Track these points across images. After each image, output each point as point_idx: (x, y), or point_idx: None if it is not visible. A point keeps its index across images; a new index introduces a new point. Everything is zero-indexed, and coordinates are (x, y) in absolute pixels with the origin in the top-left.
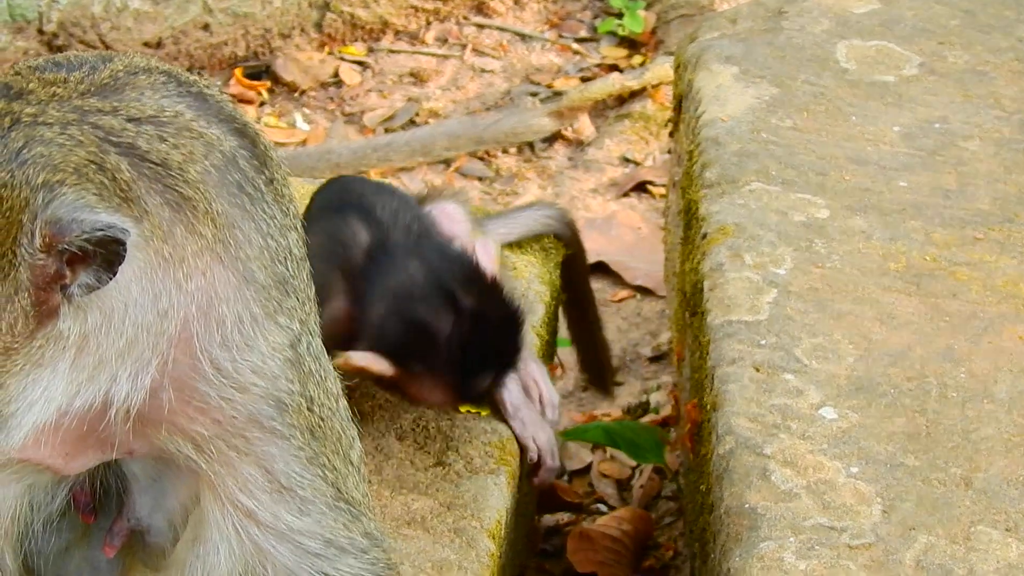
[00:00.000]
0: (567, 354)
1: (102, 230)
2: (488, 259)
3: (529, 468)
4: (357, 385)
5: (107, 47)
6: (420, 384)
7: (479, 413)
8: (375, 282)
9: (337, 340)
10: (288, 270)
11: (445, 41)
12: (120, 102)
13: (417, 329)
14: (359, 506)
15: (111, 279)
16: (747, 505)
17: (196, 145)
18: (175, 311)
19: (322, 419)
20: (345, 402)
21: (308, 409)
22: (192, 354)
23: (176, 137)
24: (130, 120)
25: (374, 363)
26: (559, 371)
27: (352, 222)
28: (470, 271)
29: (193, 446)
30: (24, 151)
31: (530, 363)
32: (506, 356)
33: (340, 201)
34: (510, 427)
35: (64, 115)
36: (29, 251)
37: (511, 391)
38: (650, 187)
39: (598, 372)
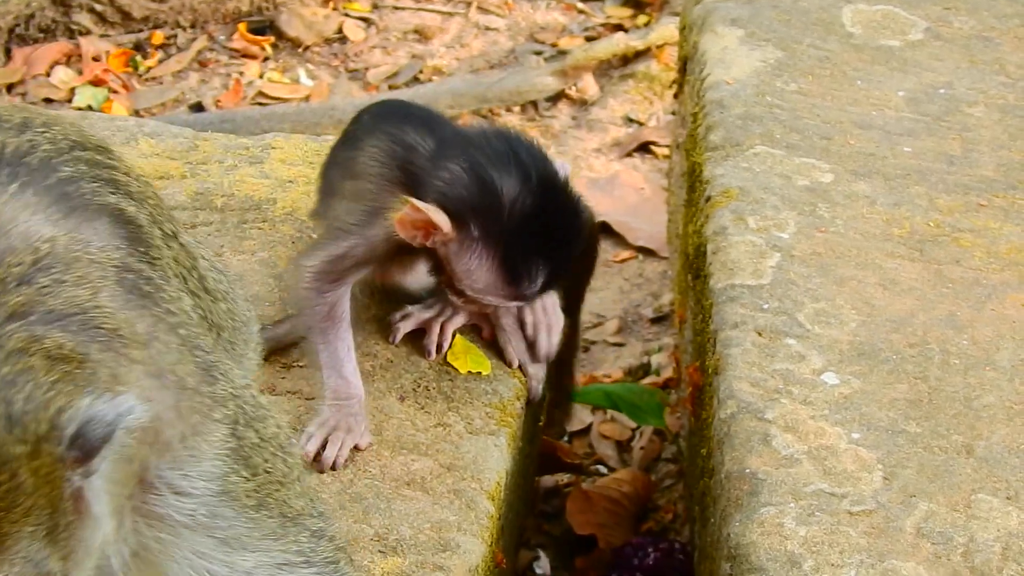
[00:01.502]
0: None
1: (120, 415)
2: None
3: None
4: (361, 343)
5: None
6: (470, 257)
7: (480, 373)
8: (448, 148)
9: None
10: (204, 347)
11: None
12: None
13: (486, 186)
14: (302, 512)
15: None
16: (748, 470)
17: (92, 272)
18: (138, 451)
19: (266, 470)
20: (281, 422)
21: (253, 476)
22: (150, 485)
23: (72, 273)
24: (21, 283)
25: (435, 214)
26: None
27: (425, 126)
28: (547, 163)
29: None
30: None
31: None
32: (564, 252)
33: (404, 113)
34: (496, 334)
35: None
36: (71, 476)
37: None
38: (653, 147)
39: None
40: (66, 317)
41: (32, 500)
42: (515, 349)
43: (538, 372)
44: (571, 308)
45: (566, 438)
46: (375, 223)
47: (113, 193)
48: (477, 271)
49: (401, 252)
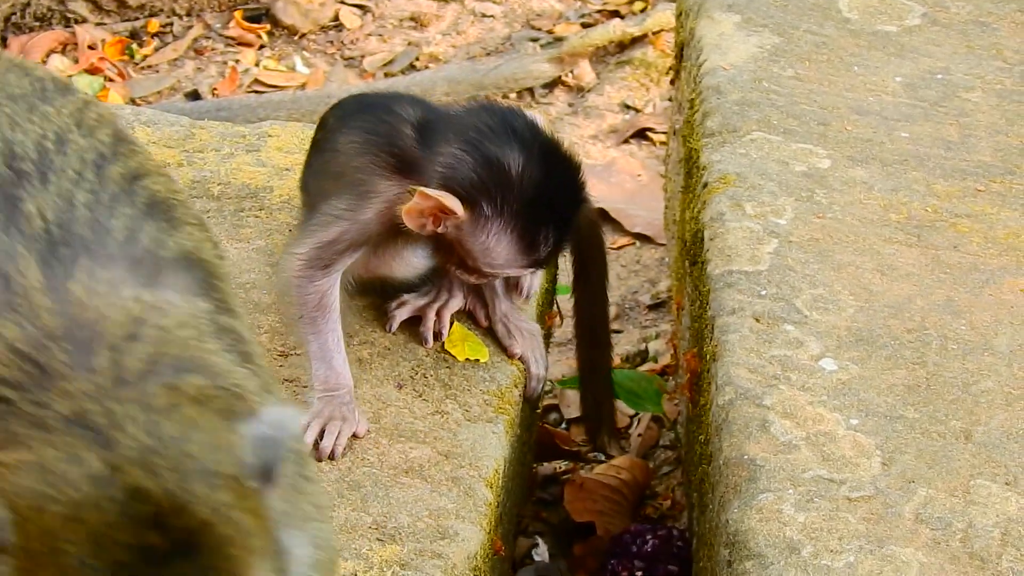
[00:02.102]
0: (565, 301)
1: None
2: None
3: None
4: (359, 331)
5: None
6: (487, 235)
7: (477, 360)
8: (438, 132)
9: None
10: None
11: None
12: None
13: (491, 164)
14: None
15: None
16: (746, 456)
17: (188, 322)
18: None
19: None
20: None
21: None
22: None
23: (172, 323)
24: (133, 341)
25: (448, 200)
26: (557, 319)
27: (396, 108)
28: (538, 128)
29: None
30: None
31: None
32: (571, 209)
33: (368, 102)
34: (494, 332)
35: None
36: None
37: (500, 297)
38: (650, 134)
39: (595, 416)
40: (187, 360)
41: (257, 538)
42: (517, 343)
43: (539, 371)
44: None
45: (564, 425)
46: (366, 207)
47: (179, 231)
48: (496, 247)
49: (394, 236)
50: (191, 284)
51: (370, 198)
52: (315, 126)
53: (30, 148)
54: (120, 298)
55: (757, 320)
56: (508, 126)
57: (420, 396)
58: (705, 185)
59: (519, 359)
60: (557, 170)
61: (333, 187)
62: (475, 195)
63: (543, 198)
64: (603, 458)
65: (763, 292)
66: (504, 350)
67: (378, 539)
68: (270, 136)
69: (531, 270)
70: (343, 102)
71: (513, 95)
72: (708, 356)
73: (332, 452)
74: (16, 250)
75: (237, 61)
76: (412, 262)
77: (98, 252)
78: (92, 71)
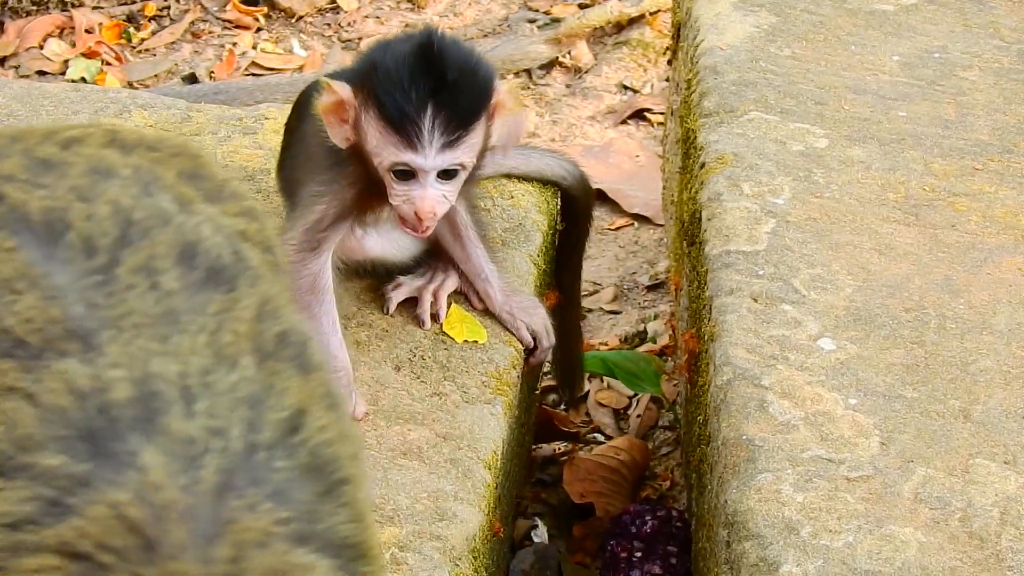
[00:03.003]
0: None
1: None
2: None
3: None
4: (356, 313)
5: None
6: (366, 119)
7: (476, 341)
8: None
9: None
10: None
11: None
12: None
13: (376, 51)
14: None
15: None
16: (745, 436)
17: None
18: None
19: None
20: None
21: None
22: None
23: None
24: None
25: (339, 87)
26: (555, 300)
27: None
28: (453, 41)
29: None
30: None
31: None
32: (454, 97)
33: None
34: (500, 320)
35: None
36: None
37: (493, 286)
38: (648, 115)
39: (566, 368)
40: None
41: None
42: (525, 328)
43: (549, 343)
44: (571, 274)
45: (563, 406)
46: (338, 177)
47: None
48: (371, 129)
49: (369, 196)
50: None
51: (338, 168)
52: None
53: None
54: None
55: (755, 300)
56: (416, 35)
57: (418, 378)
58: (702, 165)
59: (525, 339)
60: (442, 59)
61: (308, 167)
62: (360, 81)
63: (419, 79)
64: (601, 438)
65: (761, 272)
66: (516, 336)
67: (377, 521)
68: (267, 119)
69: (415, 156)
70: (302, 93)
71: (510, 76)
72: (706, 336)
73: None
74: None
75: (234, 44)
76: (402, 242)
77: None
78: (89, 55)
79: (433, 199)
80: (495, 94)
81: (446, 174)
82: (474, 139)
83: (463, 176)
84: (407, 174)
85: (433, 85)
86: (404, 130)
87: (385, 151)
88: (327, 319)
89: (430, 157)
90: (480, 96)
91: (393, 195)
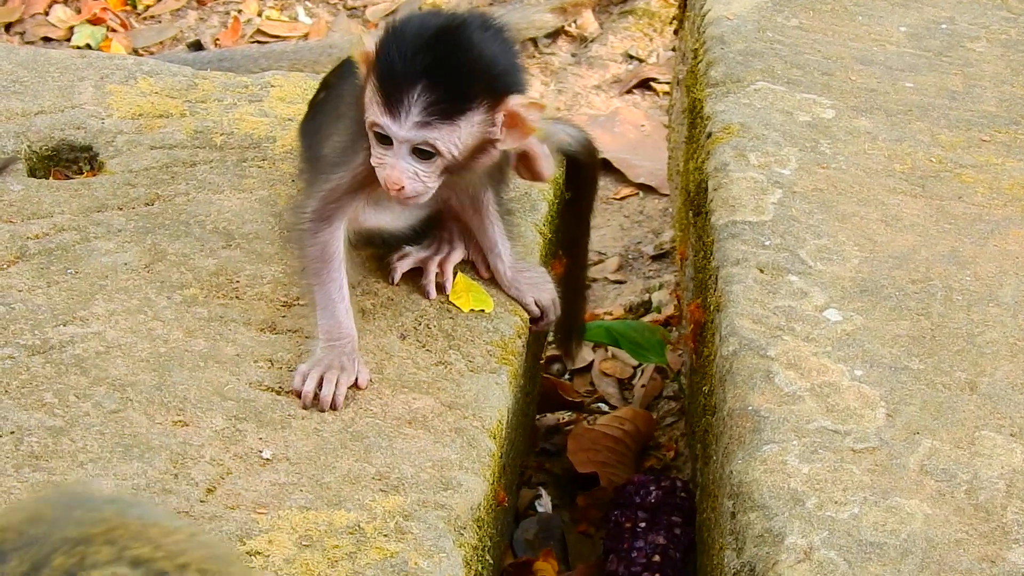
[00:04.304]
0: None
1: None
2: (547, 162)
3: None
4: (361, 281)
5: None
6: (371, 73)
7: (483, 311)
8: None
9: None
10: None
11: None
12: None
13: (397, 23)
14: None
15: None
16: (750, 407)
17: None
18: None
19: None
20: None
21: None
22: None
23: None
24: None
25: (368, 41)
26: (561, 269)
27: None
28: (483, 18)
29: None
30: None
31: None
32: (441, 71)
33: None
34: (509, 295)
35: None
36: None
37: (504, 262)
38: (654, 84)
39: (568, 330)
40: None
41: None
42: (531, 300)
43: (554, 316)
44: (579, 240)
45: (567, 376)
46: (356, 154)
47: None
48: (370, 84)
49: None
50: None
51: (358, 144)
52: (318, 77)
53: None
54: None
55: (761, 270)
56: (454, 16)
57: (423, 347)
58: (709, 135)
59: (532, 311)
60: (459, 43)
61: (334, 124)
62: (378, 44)
63: (424, 52)
64: (605, 408)
65: (767, 242)
66: (525, 309)
67: (381, 490)
68: (272, 86)
69: (387, 118)
70: (343, 62)
71: (516, 45)
72: (712, 307)
73: (333, 402)
74: None
75: (239, 11)
76: (403, 213)
77: None
78: (95, 21)
79: (401, 171)
80: (502, 100)
81: (422, 153)
82: (457, 130)
83: (440, 163)
84: (385, 139)
85: (431, 62)
86: (387, 93)
87: (369, 109)
88: (335, 286)
89: (403, 128)
90: (477, 91)
91: (372, 156)
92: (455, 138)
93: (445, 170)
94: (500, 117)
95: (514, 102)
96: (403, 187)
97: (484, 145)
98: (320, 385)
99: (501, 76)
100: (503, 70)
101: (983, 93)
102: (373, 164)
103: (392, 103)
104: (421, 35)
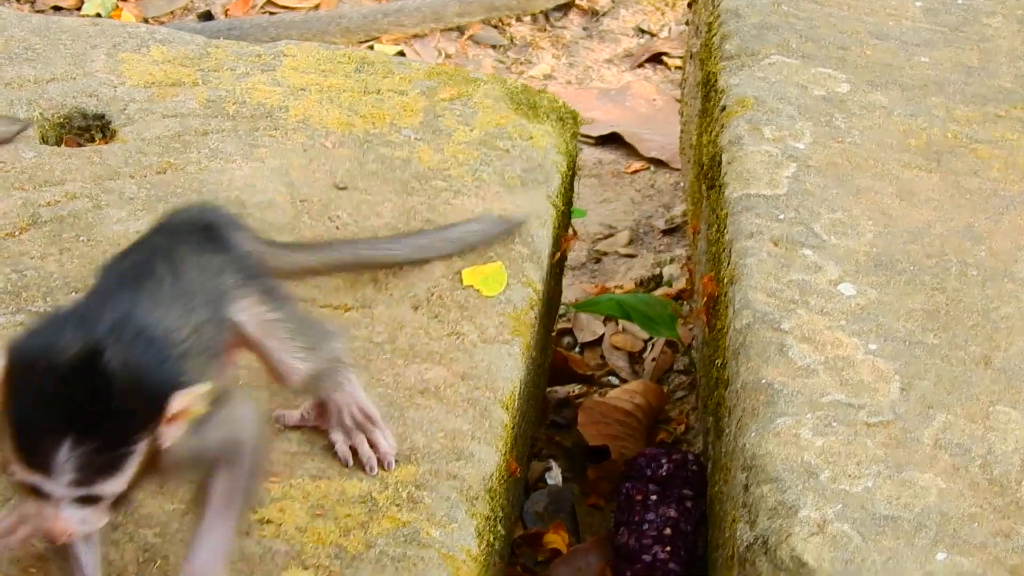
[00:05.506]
0: (580, 224)
1: None
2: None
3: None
4: None
5: None
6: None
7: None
8: None
9: None
10: None
11: None
12: None
13: (37, 332)
14: None
15: None
16: (764, 380)
17: None
18: None
19: None
20: None
21: None
22: None
23: None
24: None
25: None
26: (573, 241)
27: None
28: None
29: None
30: None
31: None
32: (86, 428)
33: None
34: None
35: None
36: None
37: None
38: (665, 59)
39: None
40: None
41: None
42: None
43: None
44: None
45: (577, 349)
46: None
47: None
48: (3, 431)
49: None
50: None
51: None
52: (328, 47)
53: None
54: None
55: (775, 244)
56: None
57: (436, 317)
58: (723, 108)
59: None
60: (93, 364)
61: None
62: (4, 379)
63: (55, 396)
64: (616, 382)
65: (781, 216)
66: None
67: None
68: (285, 56)
69: (40, 477)
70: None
71: (527, 18)
72: (725, 280)
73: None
74: None
75: None
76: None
77: None
78: None
79: (65, 522)
80: (164, 414)
81: (86, 499)
82: (124, 473)
83: (109, 500)
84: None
85: (76, 410)
86: (30, 449)
87: (6, 456)
88: None
89: (60, 486)
90: (138, 426)
91: (17, 509)
92: (123, 480)
93: (115, 501)
94: (164, 428)
95: (176, 407)
96: (72, 532)
97: (153, 458)
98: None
99: (157, 390)
100: (158, 382)
101: (999, 68)
102: (17, 518)
103: (38, 460)
104: (54, 372)
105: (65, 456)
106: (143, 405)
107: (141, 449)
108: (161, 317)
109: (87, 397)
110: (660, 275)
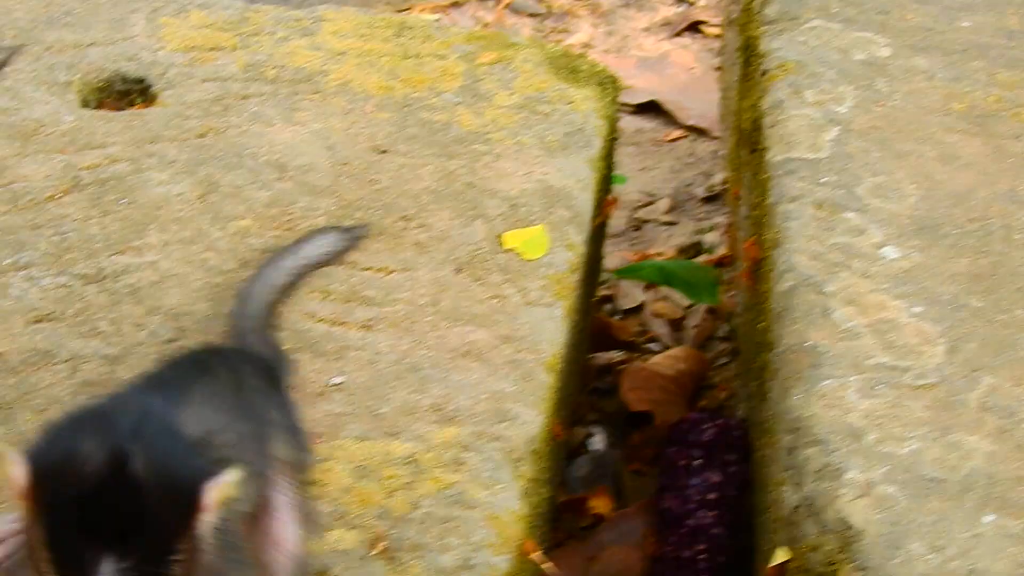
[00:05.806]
0: (620, 192)
1: None
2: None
3: None
4: (413, 216)
5: None
6: (35, 527)
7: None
8: None
9: None
10: None
11: None
12: None
13: (67, 442)
14: None
15: None
16: (808, 343)
17: None
18: None
19: None
20: None
21: None
22: None
23: None
24: None
25: (15, 465)
26: (614, 206)
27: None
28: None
29: None
30: None
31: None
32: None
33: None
34: None
35: None
36: None
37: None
38: (703, 27)
39: None
40: None
41: None
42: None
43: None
44: None
45: (618, 316)
46: None
47: None
48: (36, 539)
49: None
50: None
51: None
52: (366, 11)
53: None
54: None
55: (818, 207)
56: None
57: (478, 280)
58: (764, 73)
59: None
60: (122, 472)
61: None
62: (39, 466)
63: (88, 508)
64: (657, 349)
65: (824, 179)
66: None
67: (436, 421)
68: (325, 20)
69: None
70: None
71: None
72: (768, 243)
73: None
74: None
75: None
76: None
77: None
78: None
79: None
80: (199, 510)
81: None
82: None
83: None
84: None
85: (111, 522)
86: (66, 564)
87: (45, 564)
88: None
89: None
90: (175, 529)
91: None
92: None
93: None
94: (199, 519)
95: (208, 501)
96: None
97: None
98: None
99: (188, 489)
100: (187, 479)
101: None
102: None
103: (76, 572)
104: (84, 484)
105: (111, 572)
106: (178, 502)
107: (182, 549)
108: (195, 417)
109: (120, 507)
110: (700, 243)
